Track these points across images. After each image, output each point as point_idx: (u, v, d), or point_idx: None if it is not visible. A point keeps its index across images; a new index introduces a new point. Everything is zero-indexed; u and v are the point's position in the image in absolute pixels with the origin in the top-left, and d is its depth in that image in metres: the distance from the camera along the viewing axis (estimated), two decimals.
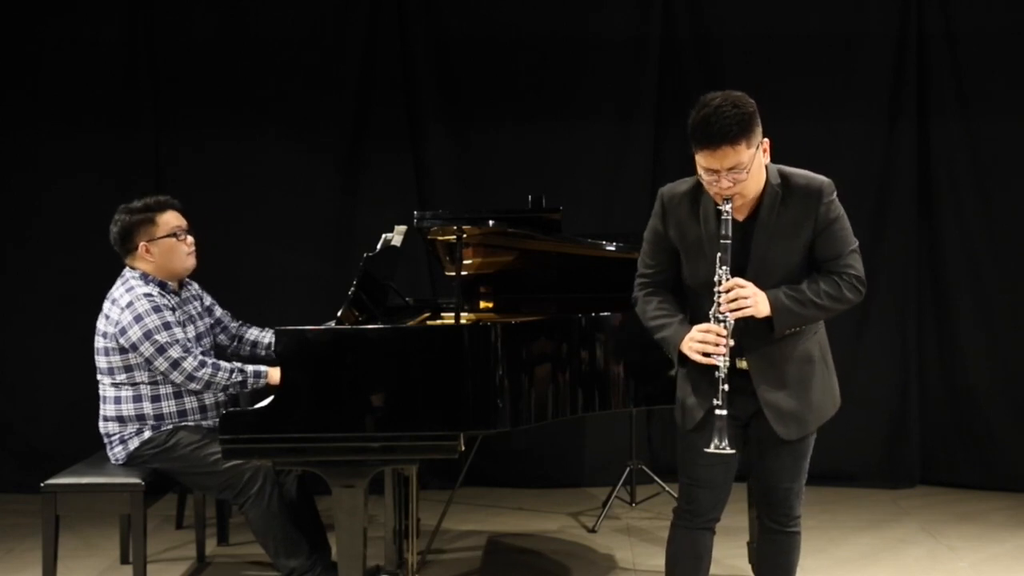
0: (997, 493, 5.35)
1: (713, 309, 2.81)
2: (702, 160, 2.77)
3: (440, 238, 4.04)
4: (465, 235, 3.88)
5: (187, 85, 5.53)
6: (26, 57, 5.50)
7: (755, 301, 2.79)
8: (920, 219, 5.51)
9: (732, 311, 2.78)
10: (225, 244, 5.16)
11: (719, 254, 2.81)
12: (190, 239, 3.91)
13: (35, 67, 5.51)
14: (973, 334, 5.46)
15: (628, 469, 5.13)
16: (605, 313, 3.62)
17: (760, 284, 2.83)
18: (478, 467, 5.19)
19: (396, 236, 4.16)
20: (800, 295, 2.84)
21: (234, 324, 4.11)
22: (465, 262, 4.17)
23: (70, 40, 5.50)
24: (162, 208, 3.87)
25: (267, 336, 4.10)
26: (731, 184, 2.74)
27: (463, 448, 3.23)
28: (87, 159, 5.51)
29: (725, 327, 2.79)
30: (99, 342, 3.79)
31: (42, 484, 3.68)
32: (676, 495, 4.86)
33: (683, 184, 2.96)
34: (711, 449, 2.78)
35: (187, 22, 5.52)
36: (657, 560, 4.34)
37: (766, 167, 2.87)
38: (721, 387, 2.77)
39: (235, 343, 4.10)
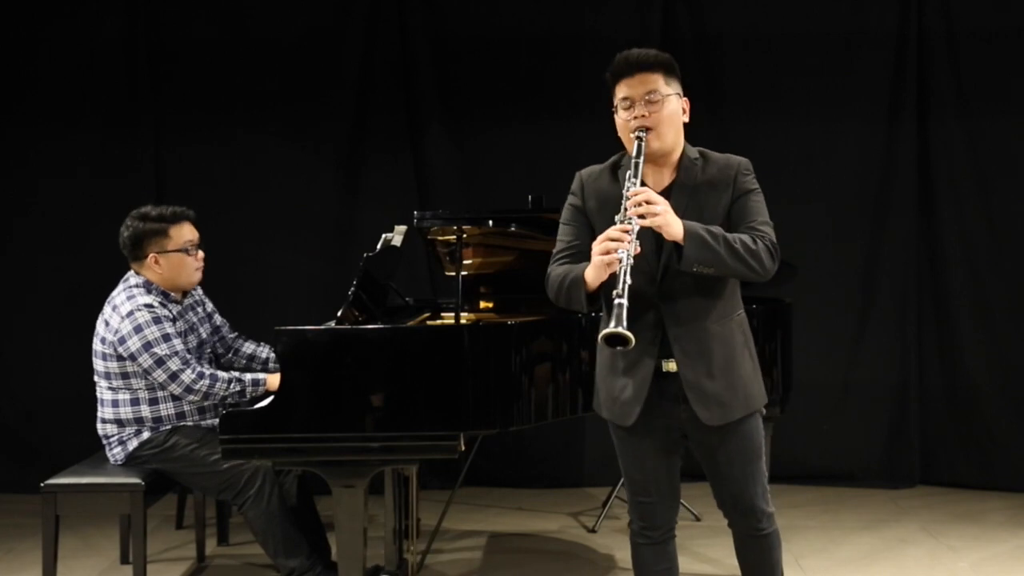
0: (997, 493, 5.35)
1: (619, 216, 2.64)
2: (620, 92, 2.77)
3: (440, 238, 4.04)
4: (465, 235, 3.88)
5: (187, 85, 5.53)
6: (26, 57, 5.50)
7: (664, 211, 2.62)
8: (920, 219, 5.51)
9: (639, 214, 2.61)
10: (225, 244, 5.15)
11: (628, 172, 2.71)
12: (200, 254, 3.89)
13: (35, 67, 5.51)
14: (973, 334, 5.46)
15: None
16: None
17: (667, 253, 2.72)
18: (478, 467, 5.19)
19: (396, 236, 4.16)
20: (716, 231, 2.68)
21: (231, 335, 4.11)
22: (465, 262, 4.17)
23: (70, 40, 5.50)
24: (177, 220, 3.84)
25: (264, 351, 4.09)
26: (646, 114, 2.74)
27: (463, 448, 3.23)
28: (87, 159, 5.52)
29: (630, 225, 2.61)
30: (97, 345, 3.78)
31: (42, 484, 3.68)
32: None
33: (600, 165, 2.93)
34: (609, 328, 2.52)
35: (187, 22, 5.52)
36: None
37: (685, 143, 2.86)
38: (623, 278, 2.56)
39: (230, 354, 4.09)
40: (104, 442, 3.81)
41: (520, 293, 4.43)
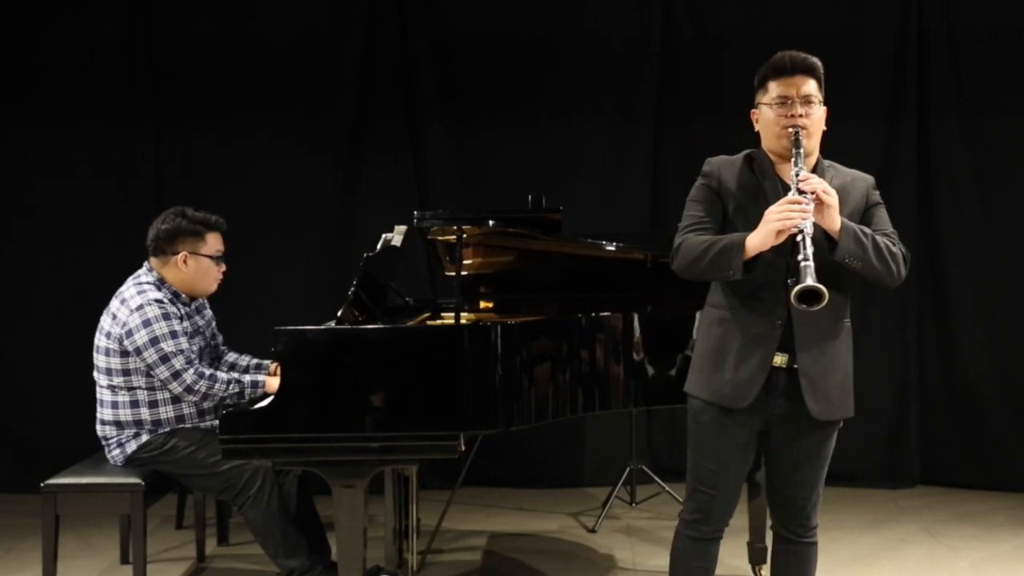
0: (997, 493, 5.35)
1: (791, 186, 2.75)
2: (776, 89, 2.87)
3: (440, 238, 4.04)
4: (465, 235, 3.88)
5: (187, 85, 5.53)
6: (26, 57, 5.50)
7: (836, 199, 2.74)
8: (920, 218, 5.51)
9: (816, 193, 2.70)
10: (225, 244, 5.16)
11: (792, 159, 2.80)
12: (223, 267, 3.95)
13: (35, 67, 5.51)
14: (973, 334, 5.46)
15: (628, 469, 5.13)
16: (605, 313, 3.62)
17: (814, 255, 2.75)
18: (478, 467, 5.19)
19: (396, 236, 4.16)
20: (866, 229, 2.82)
21: (223, 347, 4.13)
22: (465, 262, 4.18)
23: (70, 40, 5.50)
24: (214, 228, 3.92)
25: (244, 359, 4.09)
26: (803, 114, 2.83)
27: (463, 448, 3.23)
28: (87, 159, 5.52)
29: (807, 198, 2.71)
30: (101, 340, 3.77)
31: (42, 484, 3.68)
32: (676, 496, 4.90)
33: (731, 156, 3.00)
34: (806, 283, 2.58)
35: (187, 22, 5.52)
36: (657, 560, 4.35)
37: (820, 152, 2.95)
38: (806, 244, 2.63)
39: (215, 363, 4.10)
40: (103, 443, 3.81)
41: (520, 293, 4.44)
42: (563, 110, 5.53)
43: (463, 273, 4.06)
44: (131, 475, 3.69)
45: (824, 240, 2.77)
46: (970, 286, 5.47)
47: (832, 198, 2.74)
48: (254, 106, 5.52)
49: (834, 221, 2.75)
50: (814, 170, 2.90)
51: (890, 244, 2.84)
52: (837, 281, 2.83)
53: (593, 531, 4.81)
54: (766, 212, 2.74)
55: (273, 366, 3.91)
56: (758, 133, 2.99)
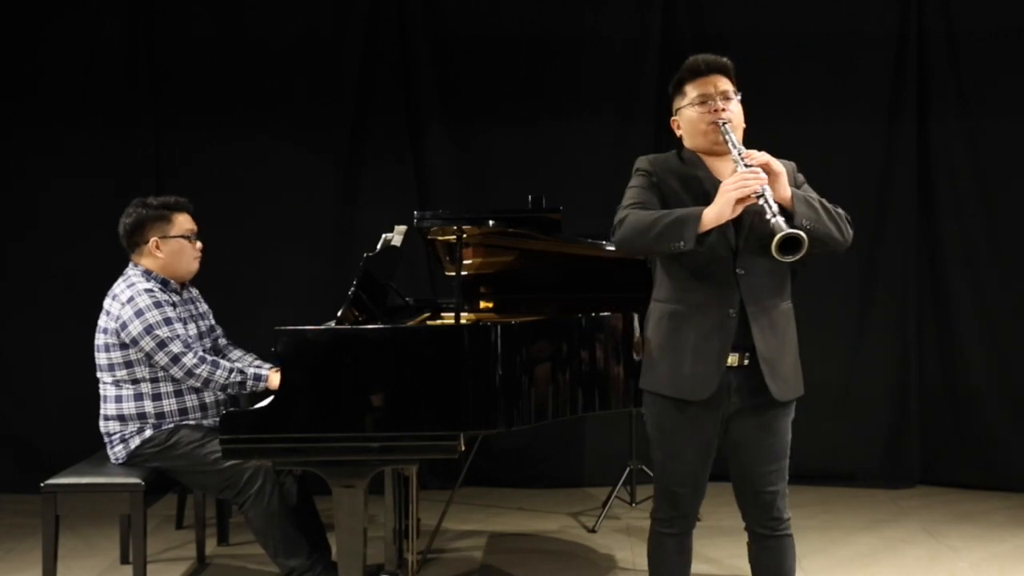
0: (997, 493, 5.35)
1: (739, 166, 2.78)
2: (694, 91, 2.95)
3: (440, 238, 4.04)
4: (465, 235, 3.88)
5: (187, 85, 5.53)
6: (26, 57, 5.50)
7: (783, 171, 2.81)
8: (920, 218, 5.51)
9: (767, 161, 2.77)
10: (225, 244, 5.16)
11: (730, 144, 2.84)
12: (199, 244, 3.96)
13: (35, 67, 5.51)
14: (973, 334, 5.46)
15: (628, 469, 5.13)
16: (605, 313, 3.62)
17: (756, 239, 2.83)
18: (478, 467, 5.19)
19: (396, 236, 4.16)
20: (810, 193, 2.90)
21: (223, 341, 4.13)
22: (465, 262, 4.18)
23: (70, 40, 5.50)
24: (179, 209, 3.92)
25: (248, 359, 4.10)
26: (724, 108, 2.92)
27: (463, 448, 3.23)
28: (87, 159, 5.52)
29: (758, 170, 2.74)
30: (100, 339, 3.79)
31: (42, 484, 3.68)
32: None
33: (662, 154, 3.06)
34: (787, 231, 2.61)
35: (187, 22, 5.52)
36: None
37: None
38: (771, 204, 2.66)
39: (216, 357, 4.09)
40: (106, 439, 3.82)
41: (520, 293, 4.43)
42: (563, 110, 5.53)
43: (463, 273, 4.05)
44: (131, 475, 3.69)
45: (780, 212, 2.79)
46: (970, 286, 5.46)
47: (779, 166, 2.80)
48: (254, 106, 5.52)
49: (785, 189, 2.80)
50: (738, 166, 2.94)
51: (831, 207, 2.90)
52: (774, 265, 2.84)
53: (593, 531, 4.81)
54: (721, 186, 2.76)
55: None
56: (680, 140, 3.04)
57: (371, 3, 5.51)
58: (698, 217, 2.75)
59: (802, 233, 2.63)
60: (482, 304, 4.45)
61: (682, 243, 2.76)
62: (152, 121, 5.53)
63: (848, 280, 5.53)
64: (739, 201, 2.71)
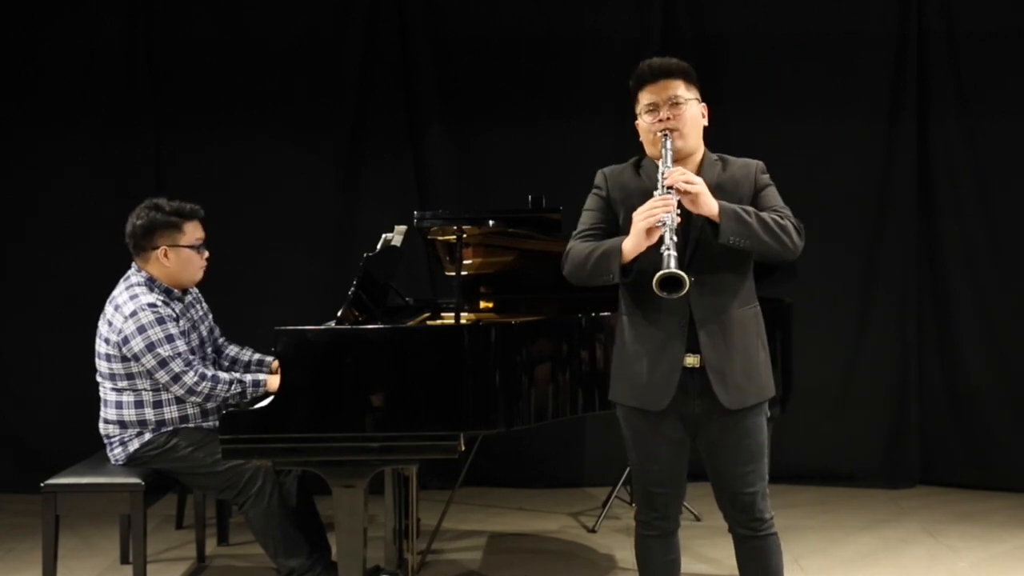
0: (997, 493, 5.35)
1: (658, 186, 2.78)
2: (644, 98, 2.93)
3: (440, 238, 4.04)
4: (465, 235, 3.88)
5: (187, 85, 5.53)
6: (26, 57, 5.50)
7: (702, 186, 2.78)
8: (920, 219, 5.51)
9: (680, 185, 2.74)
10: (225, 244, 5.14)
11: (660, 160, 2.84)
12: (206, 253, 3.92)
13: (35, 67, 5.51)
14: (973, 334, 5.46)
15: (628, 469, 5.12)
16: (605, 313, 3.62)
17: (705, 246, 2.85)
18: (478, 467, 5.19)
19: (396, 236, 4.16)
20: (748, 208, 2.84)
21: (221, 338, 4.12)
22: (465, 262, 4.18)
23: (70, 40, 5.50)
24: (191, 217, 3.87)
25: (247, 354, 4.10)
26: (671, 117, 2.89)
27: (463, 448, 3.23)
28: (87, 159, 5.52)
29: (671, 195, 2.75)
30: (101, 347, 3.77)
31: (42, 484, 3.68)
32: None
33: (622, 164, 3.07)
34: (667, 269, 2.63)
35: (187, 22, 5.52)
36: None
37: (705, 148, 3.00)
38: (669, 236, 2.67)
39: (216, 356, 4.09)
40: (105, 442, 3.81)
41: (520, 293, 4.44)
42: (563, 110, 5.53)
43: (463, 273, 4.05)
44: (131, 475, 3.69)
45: (708, 227, 2.82)
46: (970, 286, 5.46)
47: (696, 186, 2.77)
48: (254, 106, 5.52)
49: (709, 207, 2.78)
50: (700, 165, 2.95)
51: (777, 218, 2.85)
52: (735, 267, 2.91)
53: (593, 531, 4.81)
54: (633, 215, 2.80)
55: (275, 364, 3.91)
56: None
57: (371, 3, 5.51)
58: (619, 250, 2.81)
59: (679, 274, 2.62)
60: (482, 304, 4.45)
61: (611, 276, 2.83)
62: (152, 121, 5.53)
63: (848, 280, 5.53)
64: (650, 231, 2.74)
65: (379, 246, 4.08)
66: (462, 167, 5.58)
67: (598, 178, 3.06)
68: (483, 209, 4.50)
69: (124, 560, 4.29)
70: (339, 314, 3.51)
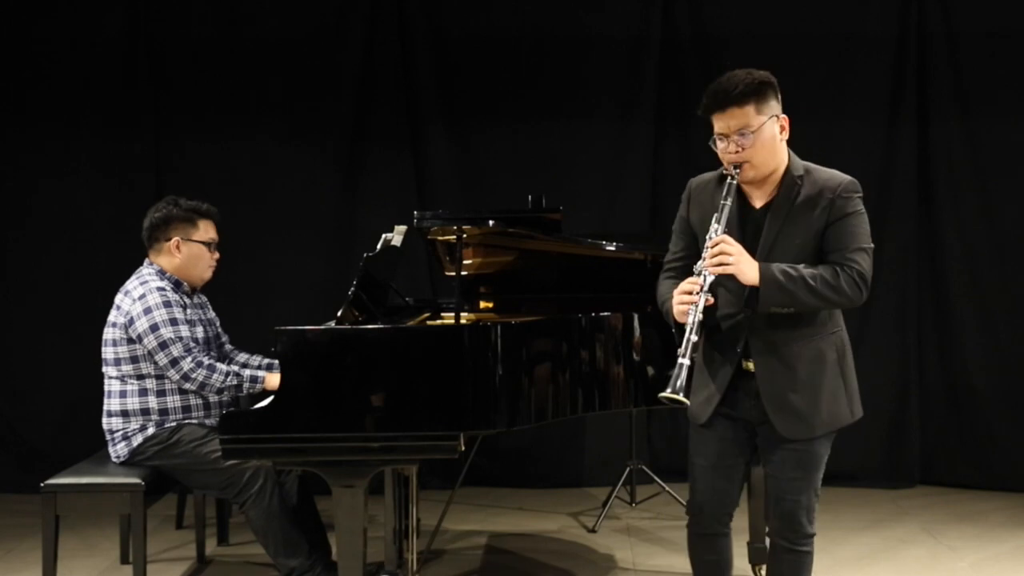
0: (997, 493, 5.35)
1: (698, 264, 2.78)
2: (715, 126, 2.79)
3: (440, 238, 4.04)
4: (465, 235, 3.88)
5: (187, 85, 5.53)
6: (26, 57, 5.50)
7: (738, 260, 2.71)
8: (920, 219, 5.51)
9: (712, 266, 2.72)
10: (225, 243, 5.16)
11: (715, 214, 2.78)
12: (216, 255, 4.00)
13: (35, 67, 5.51)
14: (973, 334, 5.46)
15: (628, 469, 5.13)
16: (605, 313, 3.62)
17: (745, 299, 2.82)
18: (478, 467, 5.19)
19: (396, 236, 4.16)
20: (794, 272, 2.72)
21: (228, 346, 4.14)
22: (465, 262, 4.17)
23: (70, 40, 5.50)
24: (207, 216, 3.98)
25: (256, 360, 4.11)
26: (739, 149, 2.75)
27: (463, 448, 3.22)
28: (87, 159, 5.52)
29: (702, 279, 2.74)
30: (108, 333, 3.81)
31: (42, 484, 3.68)
32: (676, 495, 4.91)
33: (711, 173, 2.96)
34: (665, 392, 2.65)
35: (187, 22, 5.52)
36: (657, 560, 4.36)
37: (791, 157, 2.87)
38: (688, 337, 2.69)
39: (224, 362, 4.10)
40: (108, 437, 3.82)
41: (520, 293, 4.43)
42: (563, 110, 5.53)
43: (463, 273, 4.05)
44: (131, 475, 3.69)
45: (752, 293, 2.77)
46: (970, 286, 5.46)
47: (730, 265, 2.71)
48: (254, 106, 5.52)
49: (750, 276, 2.73)
50: (781, 183, 2.83)
51: (829, 277, 2.73)
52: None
53: (593, 531, 4.81)
54: (674, 293, 2.81)
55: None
56: None
57: (371, 3, 5.51)
58: (670, 311, 2.83)
59: (676, 396, 2.64)
60: (482, 304, 4.45)
61: (672, 328, 2.87)
62: (152, 121, 5.53)
63: None
64: (681, 314, 2.75)
65: (379, 246, 4.08)
66: (462, 167, 5.58)
67: (685, 192, 3.00)
68: (483, 209, 4.50)
69: (124, 560, 4.29)
70: (339, 314, 3.51)
